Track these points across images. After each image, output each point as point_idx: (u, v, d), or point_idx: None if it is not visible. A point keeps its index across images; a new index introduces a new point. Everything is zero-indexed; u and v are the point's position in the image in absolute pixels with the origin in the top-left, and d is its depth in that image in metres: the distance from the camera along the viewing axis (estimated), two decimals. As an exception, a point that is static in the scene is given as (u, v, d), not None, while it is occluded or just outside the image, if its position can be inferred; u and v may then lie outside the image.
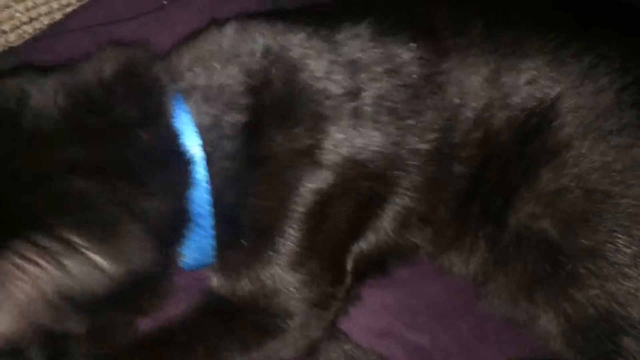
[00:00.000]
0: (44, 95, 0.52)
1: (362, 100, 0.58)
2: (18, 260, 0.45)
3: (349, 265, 0.62)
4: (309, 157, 0.57)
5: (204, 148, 0.55)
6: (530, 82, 0.60)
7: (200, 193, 0.55)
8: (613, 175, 0.57)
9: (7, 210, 0.48)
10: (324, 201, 0.58)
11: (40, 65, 0.58)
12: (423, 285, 0.68)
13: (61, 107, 0.51)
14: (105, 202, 0.49)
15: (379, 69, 0.58)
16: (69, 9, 0.74)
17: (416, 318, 0.66)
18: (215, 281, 0.61)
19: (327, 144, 0.57)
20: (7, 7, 0.71)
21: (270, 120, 0.56)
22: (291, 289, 0.58)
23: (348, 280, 0.62)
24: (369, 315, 0.65)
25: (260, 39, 0.58)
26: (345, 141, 0.57)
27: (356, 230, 0.61)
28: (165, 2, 0.74)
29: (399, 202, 0.61)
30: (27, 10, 0.72)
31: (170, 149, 0.54)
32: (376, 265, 0.65)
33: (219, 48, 0.58)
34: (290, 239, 0.57)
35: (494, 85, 0.60)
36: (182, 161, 0.54)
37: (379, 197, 0.60)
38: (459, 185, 0.61)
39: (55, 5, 0.74)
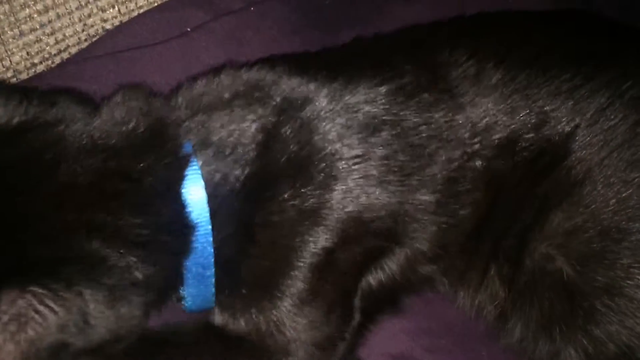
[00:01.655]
0: (75, 148, 0.53)
1: (370, 162, 0.58)
2: (35, 302, 0.47)
3: (357, 302, 0.62)
4: (315, 216, 0.57)
5: (211, 202, 0.55)
6: (542, 121, 0.60)
7: (203, 249, 0.56)
8: (629, 212, 0.57)
9: (30, 254, 0.49)
10: (329, 255, 0.58)
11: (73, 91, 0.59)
12: (442, 308, 0.68)
13: (89, 164, 0.52)
14: (115, 267, 0.51)
15: (390, 132, 0.59)
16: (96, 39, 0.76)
17: (435, 342, 0.66)
18: (216, 319, 0.61)
19: (334, 204, 0.57)
20: (38, 40, 0.73)
21: (279, 178, 0.57)
22: (293, 332, 0.59)
23: (357, 318, 0.62)
24: (388, 339, 0.66)
25: (277, 93, 0.59)
26: (351, 201, 0.58)
27: (363, 272, 0.62)
28: (189, 30, 0.76)
29: (407, 247, 0.61)
30: (57, 42, 0.74)
31: (178, 212, 0.55)
32: (387, 301, 0.65)
33: (232, 98, 0.59)
34: (292, 287, 0.58)
35: (505, 129, 0.60)
36: (188, 224, 0.55)
37: (386, 247, 0.61)
38: (469, 227, 0.61)
39: (83, 36, 0.76)
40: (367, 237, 0.60)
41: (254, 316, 0.59)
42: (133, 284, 0.52)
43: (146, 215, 0.53)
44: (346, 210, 0.57)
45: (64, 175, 0.51)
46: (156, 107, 0.57)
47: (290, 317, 0.58)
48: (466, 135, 0.59)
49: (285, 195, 0.57)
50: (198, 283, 0.57)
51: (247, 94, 0.59)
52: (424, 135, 0.59)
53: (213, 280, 0.58)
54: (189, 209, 0.55)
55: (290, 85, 0.59)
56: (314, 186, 0.57)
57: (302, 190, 0.57)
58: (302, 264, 0.57)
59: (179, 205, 0.55)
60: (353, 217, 0.58)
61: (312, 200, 0.57)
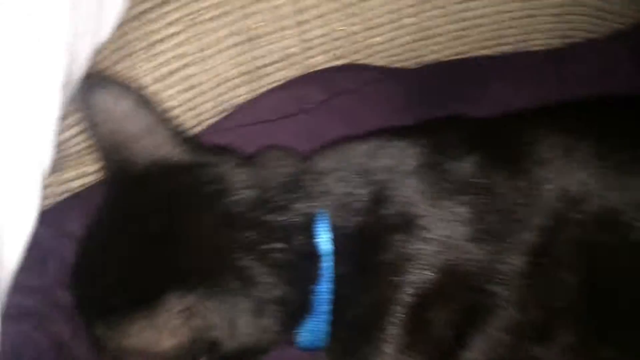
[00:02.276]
0: (236, 187, 0.64)
1: (459, 220, 0.64)
2: (195, 305, 0.57)
3: None
4: (415, 261, 0.63)
5: (334, 241, 0.65)
6: None
7: (324, 285, 0.65)
8: None
9: (190, 265, 0.60)
10: (426, 305, 0.63)
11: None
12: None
13: (248, 202, 0.64)
14: (261, 283, 0.61)
15: (479, 195, 0.65)
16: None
17: None
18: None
19: (431, 251, 0.63)
20: (181, 115, 0.83)
21: (388, 230, 0.65)
22: None
23: None
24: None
25: (385, 156, 0.68)
26: (447, 250, 0.63)
27: (462, 337, 0.64)
28: (309, 106, 0.83)
29: (504, 313, 0.63)
30: (196, 116, 0.84)
31: (308, 248, 0.65)
32: None
33: (356, 163, 0.68)
34: (391, 336, 0.63)
35: (603, 202, 0.63)
36: (315, 258, 0.65)
37: (482, 307, 0.64)
38: (573, 296, 0.63)
39: (215, 112, 0.85)
40: (462, 292, 0.63)
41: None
42: (274, 301, 0.61)
43: (286, 242, 0.63)
44: (441, 257, 0.63)
45: (223, 206, 0.63)
46: (296, 162, 0.69)
47: None
48: (559, 204, 0.63)
49: (392, 243, 0.64)
50: (315, 317, 0.65)
51: (362, 159, 0.68)
52: (513, 201, 0.64)
53: (327, 316, 0.65)
54: (317, 241, 0.64)
55: (393, 150, 0.68)
56: (412, 237, 0.64)
57: (404, 239, 0.64)
58: (400, 306, 0.63)
59: (311, 237, 0.65)
60: (449, 267, 0.63)
61: (410, 248, 0.64)
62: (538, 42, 0.94)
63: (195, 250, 0.61)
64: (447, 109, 0.78)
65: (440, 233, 0.64)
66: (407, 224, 0.64)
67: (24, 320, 0.68)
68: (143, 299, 0.56)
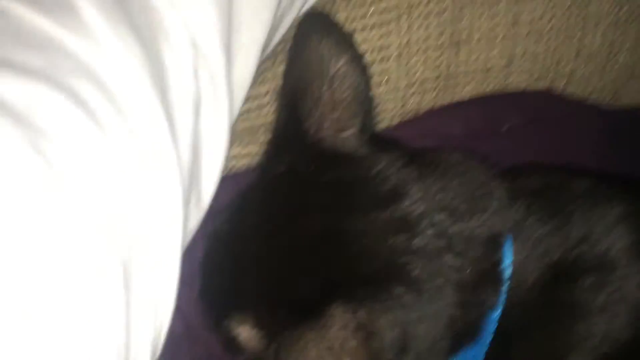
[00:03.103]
0: (414, 191, 0.56)
1: None
2: (369, 316, 0.49)
3: None
4: (610, 312, 0.56)
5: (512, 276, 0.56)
6: None
7: (495, 314, 0.56)
8: None
9: (359, 271, 0.53)
10: None
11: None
12: None
13: (426, 209, 0.55)
14: (435, 298, 0.53)
15: None
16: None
17: None
18: None
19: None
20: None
21: (583, 272, 0.57)
22: None
23: None
24: None
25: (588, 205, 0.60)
26: None
27: None
28: (505, 129, 0.76)
29: None
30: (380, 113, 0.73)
31: (492, 273, 0.56)
32: None
33: (548, 194, 0.61)
34: None
35: None
36: (495, 282, 0.56)
37: None
38: None
39: (398, 113, 0.78)
40: None
41: None
42: (448, 320, 0.53)
43: (467, 257, 0.55)
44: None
45: (399, 209, 0.54)
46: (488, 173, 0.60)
47: None
48: None
49: (585, 285, 0.56)
50: (476, 347, 0.56)
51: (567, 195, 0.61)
52: None
53: (486, 348, 0.57)
54: (501, 267, 0.56)
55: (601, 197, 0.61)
56: (609, 286, 0.57)
57: (600, 285, 0.57)
58: None
59: (494, 258, 0.56)
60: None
61: (605, 298, 0.56)
62: None
63: (365, 254, 0.53)
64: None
65: None
66: (604, 270, 0.57)
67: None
68: (304, 306, 0.49)
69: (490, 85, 0.79)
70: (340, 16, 0.70)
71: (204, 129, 0.56)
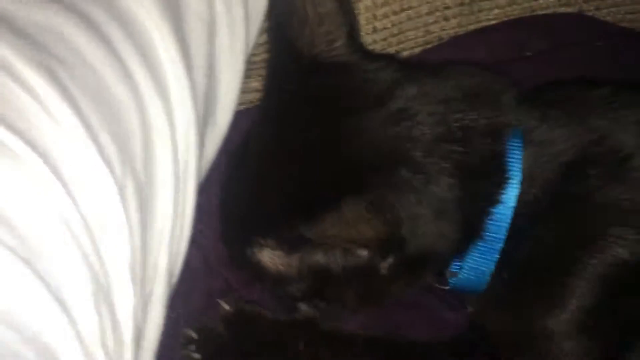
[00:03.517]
0: (412, 88, 0.57)
1: None
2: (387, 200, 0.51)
3: None
4: (624, 212, 0.55)
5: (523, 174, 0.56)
6: None
7: (504, 212, 0.56)
8: None
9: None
10: (624, 274, 0.55)
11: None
12: None
13: (425, 101, 0.57)
14: (442, 182, 0.54)
15: None
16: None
17: None
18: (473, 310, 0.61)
19: None
20: (384, 39, 0.75)
21: (596, 171, 0.57)
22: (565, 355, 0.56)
23: None
24: None
25: (606, 111, 0.59)
26: None
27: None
28: (529, 54, 0.74)
29: None
30: (399, 43, 0.76)
31: (495, 164, 0.56)
32: None
33: (566, 102, 0.60)
34: (577, 297, 0.55)
35: None
36: (500, 176, 0.56)
37: None
38: None
39: (420, 41, 0.77)
40: None
41: (527, 316, 0.57)
42: (454, 203, 0.54)
43: (469, 145, 0.55)
44: None
45: (397, 103, 0.56)
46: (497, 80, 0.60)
47: (567, 337, 0.56)
48: None
49: (593, 175, 0.56)
50: (484, 251, 0.57)
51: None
52: None
53: (497, 255, 0.57)
54: (506, 161, 0.56)
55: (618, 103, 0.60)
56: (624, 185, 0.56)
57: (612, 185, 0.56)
58: (596, 261, 0.55)
59: (500, 152, 0.56)
60: None
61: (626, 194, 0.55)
62: None
63: (368, 146, 0.55)
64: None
65: None
66: (615, 164, 0.56)
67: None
68: (320, 208, 0.50)
69: (517, 10, 0.77)
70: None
71: (218, 53, 0.56)
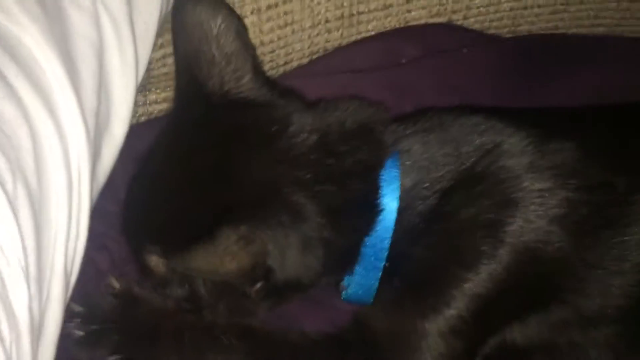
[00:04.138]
0: (299, 129, 0.62)
1: (552, 200, 0.62)
2: (252, 233, 0.56)
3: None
4: (491, 230, 0.62)
5: (401, 197, 0.63)
6: None
7: (381, 239, 0.63)
8: None
9: (245, 199, 0.60)
10: (494, 280, 0.61)
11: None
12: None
13: (308, 144, 0.62)
14: (310, 221, 0.60)
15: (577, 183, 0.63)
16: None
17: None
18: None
19: (512, 227, 0.61)
20: (272, 52, 0.81)
21: (462, 191, 0.63)
22: (430, 354, 0.62)
23: None
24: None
25: (477, 137, 0.65)
26: (529, 231, 0.61)
27: (508, 322, 0.65)
28: (404, 61, 0.81)
29: (568, 302, 0.64)
30: (286, 55, 0.81)
31: (369, 200, 0.63)
32: None
33: (440, 130, 0.66)
34: (451, 303, 0.62)
35: None
36: (373, 210, 0.63)
37: (547, 291, 0.64)
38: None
39: (307, 52, 0.84)
40: (531, 278, 0.62)
41: (406, 317, 0.63)
42: (320, 241, 0.60)
43: (342, 187, 0.61)
44: (521, 237, 0.61)
45: (282, 145, 0.61)
46: (373, 113, 0.66)
47: (439, 337, 0.62)
48: None
49: (468, 210, 0.62)
50: (366, 271, 0.64)
51: (453, 131, 0.66)
52: (606, 198, 0.63)
53: (380, 273, 0.64)
54: (381, 194, 0.63)
55: (494, 132, 0.65)
56: (494, 205, 0.62)
57: (483, 206, 0.62)
58: (469, 274, 0.61)
59: (373, 188, 0.63)
60: (526, 246, 0.61)
61: (489, 216, 0.62)
62: (634, 28, 0.92)
63: (249, 184, 0.60)
64: (550, 82, 0.77)
65: (529, 210, 0.61)
66: (498, 198, 0.62)
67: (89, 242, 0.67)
68: (199, 232, 0.55)
69: (392, 21, 0.84)
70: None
71: (108, 71, 0.61)
